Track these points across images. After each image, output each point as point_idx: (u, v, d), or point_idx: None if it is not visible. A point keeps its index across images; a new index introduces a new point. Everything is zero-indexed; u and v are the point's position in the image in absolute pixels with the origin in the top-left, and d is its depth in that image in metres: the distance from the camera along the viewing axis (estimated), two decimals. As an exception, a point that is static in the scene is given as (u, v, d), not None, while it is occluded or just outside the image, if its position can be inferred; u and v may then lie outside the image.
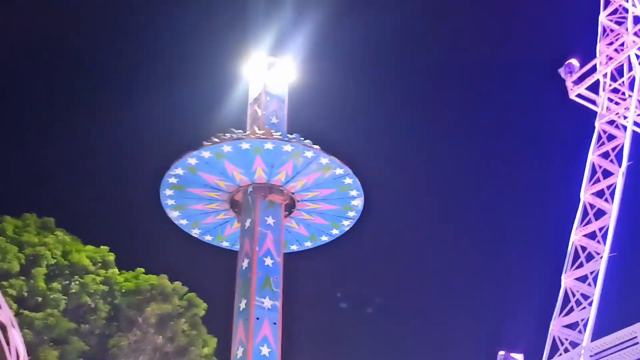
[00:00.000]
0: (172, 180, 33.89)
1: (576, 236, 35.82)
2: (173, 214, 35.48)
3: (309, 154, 33.25)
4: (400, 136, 60.89)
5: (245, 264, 32.81)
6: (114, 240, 41.13)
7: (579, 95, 40.50)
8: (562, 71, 38.20)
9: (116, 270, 38.21)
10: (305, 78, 40.92)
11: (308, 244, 38.27)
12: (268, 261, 32.56)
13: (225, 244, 37.46)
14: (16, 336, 17.58)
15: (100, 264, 37.82)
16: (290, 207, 35.36)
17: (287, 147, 32.87)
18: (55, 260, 36.03)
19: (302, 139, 33.57)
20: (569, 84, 38.94)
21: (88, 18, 58.03)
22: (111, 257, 38.61)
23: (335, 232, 37.86)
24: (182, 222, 36.01)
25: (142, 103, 53.56)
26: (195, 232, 36.61)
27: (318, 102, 46.71)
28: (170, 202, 34.80)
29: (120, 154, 57.32)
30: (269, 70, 38.63)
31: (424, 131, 63.13)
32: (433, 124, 63.41)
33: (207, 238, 37.04)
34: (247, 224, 33.81)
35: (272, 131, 33.86)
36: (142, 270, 38.90)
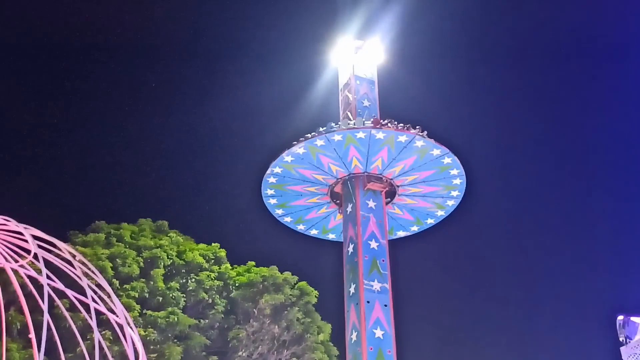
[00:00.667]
0: (272, 179, 34.54)
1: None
2: (277, 212, 36.30)
3: (403, 138, 32.95)
4: (497, 117, 58.95)
5: (350, 249, 33.06)
6: (223, 237, 42.54)
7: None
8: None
9: (228, 265, 39.32)
10: (395, 59, 40.53)
11: (414, 229, 38.03)
12: (373, 244, 32.63)
13: (331, 236, 37.94)
14: (133, 335, 18.48)
15: (213, 261, 39.06)
16: (391, 193, 35.20)
17: (380, 135, 32.69)
18: (172, 261, 37.45)
19: (395, 123, 33.29)
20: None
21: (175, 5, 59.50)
22: (222, 253, 39.80)
23: (441, 213, 37.39)
24: (287, 220, 36.82)
25: (234, 94, 54.74)
26: (300, 228, 37.33)
27: (409, 82, 46.05)
28: (272, 201, 35.62)
29: (215, 147, 59.00)
30: (357, 54, 38.62)
31: (520, 113, 60.86)
32: (531, 105, 61.05)
33: (313, 232, 37.69)
34: (349, 209, 34.01)
35: (363, 120, 33.69)
36: (253, 263, 39.87)
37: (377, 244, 32.68)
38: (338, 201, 35.49)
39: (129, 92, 61.12)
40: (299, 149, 33.09)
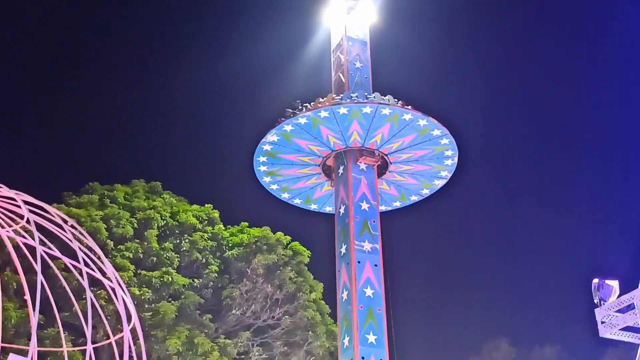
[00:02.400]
0: (267, 147, 34.19)
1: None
2: (264, 180, 36.07)
3: (407, 116, 32.91)
4: (489, 84, 58.89)
5: (342, 210, 33.41)
6: (216, 198, 42.86)
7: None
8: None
9: (222, 226, 39.73)
10: (388, 20, 40.24)
11: (397, 204, 38.04)
12: (364, 205, 32.95)
13: (313, 207, 37.81)
14: (125, 297, 18.94)
15: (206, 222, 39.45)
16: (383, 167, 35.16)
17: (386, 111, 32.61)
18: (165, 222, 37.80)
19: (396, 100, 33.01)
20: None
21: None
22: (216, 214, 40.17)
23: (426, 191, 37.59)
24: (273, 187, 36.54)
25: (226, 56, 54.51)
26: (284, 196, 37.10)
27: (402, 43, 45.81)
28: (262, 168, 35.30)
29: (209, 108, 58.96)
30: (349, 14, 38.35)
31: (515, 81, 60.72)
32: (528, 74, 60.78)
33: (296, 201, 37.46)
34: (341, 170, 34.25)
35: (366, 94, 33.37)
36: (246, 224, 40.30)
37: (368, 205, 32.98)
38: (329, 173, 35.44)
39: (121, 55, 60.83)
40: (301, 119, 32.71)
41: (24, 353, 18.84)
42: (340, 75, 36.62)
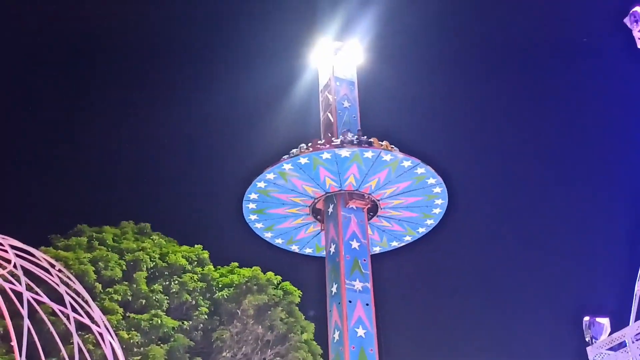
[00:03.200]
0: (261, 184, 33.75)
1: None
2: (250, 217, 35.61)
3: (407, 163, 33.05)
4: (478, 120, 59.53)
5: (332, 249, 33.30)
6: (205, 238, 42.65)
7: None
8: (627, 21, 35.95)
9: (211, 266, 39.53)
10: (374, 60, 40.79)
11: (376, 249, 37.53)
12: (354, 244, 32.85)
13: (294, 248, 37.35)
14: (112, 342, 18.69)
15: (195, 262, 39.25)
16: (371, 210, 34.79)
17: (387, 157, 32.71)
18: (154, 263, 37.58)
19: (392, 147, 32.98)
20: (636, 33, 36.67)
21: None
22: (205, 254, 39.99)
23: (408, 238, 37.59)
24: (257, 226, 36.03)
25: (215, 96, 54.79)
26: (267, 236, 36.65)
27: (389, 83, 46.39)
28: (251, 205, 34.84)
29: (197, 150, 59.09)
30: (337, 55, 38.81)
31: (500, 116, 61.42)
32: (511, 109, 61.49)
33: (278, 241, 36.98)
34: (330, 209, 34.24)
35: (376, 141, 33.11)
36: (236, 264, 40.11)
37: (359, 243, 32.90)
38: (317, 216, 35.30)
39: (111, 93, 61.08)
40: (302, 159, 32.50)
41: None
42: (329, 114, 36.88)
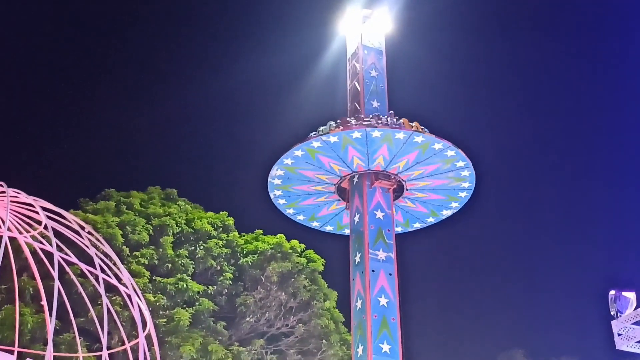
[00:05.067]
0: (288, 161, 33.90)
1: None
2: (275, 193, 35.82)
3: (438, 145, 32.82)
4: (506, 93, 58.62)
5: (357, 218, 33.43)
6: (231, 205, 42.97)
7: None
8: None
9: (236, 233, 39.81)
10: (403, 29, 40.34)
11: (398, 229, 37.39)
12: (379, 214, 32.95)
13: (315, 224, 37.70)
14: (140, 303, 19.05)
15: (221, 229, 39.57)
16: (396, 191, 34.74)
17: (419, 138, 32.49)
18: (180, 228, 37.93)
19: (423, 128, 32.67)
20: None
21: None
22: (230, 221, 40.26)
23: (431, 220, 37.48)
24: (280, 202, 36.28)
25: (243, 64, 54.79)
26: (289, 212, 36.93)
27: (417, 52, 45.85)
28: (277, 181, 35.03)
29: (224, 116, 59.25)
30: (365, 23, 38.53)
31: (529, 88, 60.35)
32: (542, 93, 60.43)
33: (299, 218, 37.36)
34: (355, 179, 34.28)
35: (406, 122, 32.93)
36: (261, 231, 40.37)
37: (383, 214, 33.00)
38: (341, 191, 35.20)
39: (141, 61, 61.34)
40: (332, 137, 32.44)
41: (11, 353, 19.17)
42: (356, 83, 36.74)
